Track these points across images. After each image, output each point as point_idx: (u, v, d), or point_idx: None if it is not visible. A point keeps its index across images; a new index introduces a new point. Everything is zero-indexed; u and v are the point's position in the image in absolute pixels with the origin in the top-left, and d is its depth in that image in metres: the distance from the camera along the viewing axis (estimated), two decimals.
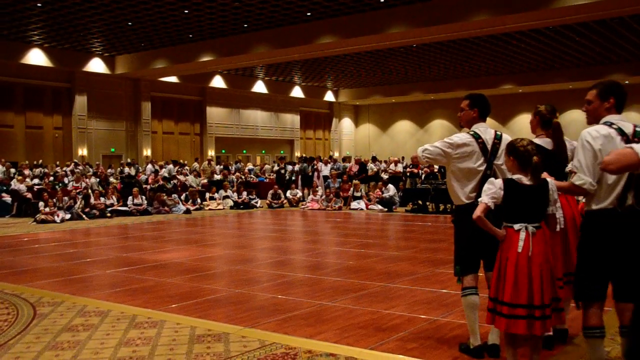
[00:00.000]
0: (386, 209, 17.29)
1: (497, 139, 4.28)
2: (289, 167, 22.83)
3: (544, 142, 4.34)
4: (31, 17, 18.26)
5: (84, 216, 16.09)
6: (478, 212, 3.72)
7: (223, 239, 11.78)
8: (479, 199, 3.80)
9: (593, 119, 3.70)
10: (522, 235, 3.59)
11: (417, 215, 16.16)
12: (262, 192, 21.29)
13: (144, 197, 17.73)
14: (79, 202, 16.50)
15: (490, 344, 4.19)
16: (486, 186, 3.78)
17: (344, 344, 4.56)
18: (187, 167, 23.39)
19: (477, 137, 4.24)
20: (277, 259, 8.99)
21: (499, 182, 3.73)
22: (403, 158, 24.68)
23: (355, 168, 21.44)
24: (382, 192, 17.90)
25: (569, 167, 3.99)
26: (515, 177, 3.68)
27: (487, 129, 4.32)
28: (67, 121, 24.98)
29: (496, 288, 3.68)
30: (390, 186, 17.99)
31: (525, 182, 3.65)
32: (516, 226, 3.63)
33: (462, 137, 4.25)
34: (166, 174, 21.18)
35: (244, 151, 32.57)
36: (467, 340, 4.32)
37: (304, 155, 30.65)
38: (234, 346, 4.51)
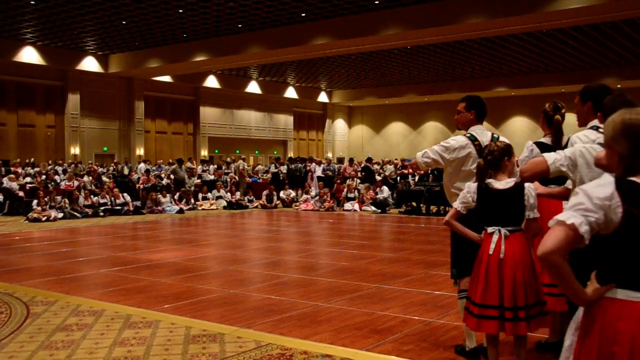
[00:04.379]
0: (380, 211, 17.30)
1: (494, 141, 4.28)
2: (283, 168, 22.78)
3: (549, 141, 4.27)
4: (24, 15, 18.17)
5: (77, 214, 16.00)
6: (447, 216, 3.94)
7: (217, 239, 11.75)
8: (453, 204, 3.90)
9: (582, 122, 3.76)
10: (495, 237, 3.64)
11: (410, 216, 16.18)
12: (256, 193, 21.26)
13: (126, 195, 17.59)
14: (61, 201, 16.31)
15: (486, 346, 4.20)
16: (462, 191, 3.87)
17: (339, 345, 4.56)
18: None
19: (473, 139, 4.25)
20: (271, 260, 8.98)
21: (473, 186, 3.81)
22: (402, 160, 24.61)
23: (349, 169, 21.43)
24: (376, 194, 17.92)
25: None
26: (488, 180, 3.74)
27: (483, 131, 4.34)
28: (60, 119, 24.88)
29: (471, 288, 3.77)
30: (385, 187, 18.01)
31: (497, 186, 3.69)
32: (489, 229, 3.70)
33: (459, 140, 4.26)
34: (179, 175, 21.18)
35: (237, 151, 32.53)
36: (463, 342, 4.33)
37: (298, 156, 30.59)
38: (230, 347, 4.50)
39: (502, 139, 4.32)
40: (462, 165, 4.22)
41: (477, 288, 3.66)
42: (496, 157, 3.71)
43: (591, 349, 1.88)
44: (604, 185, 1.89)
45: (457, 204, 3.88)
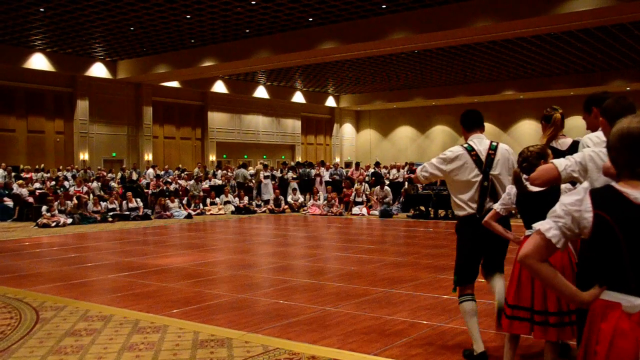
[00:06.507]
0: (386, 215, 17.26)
1: (492, 149, 4.32)
2: (290, 173, 22.75)
3: (565, 143, 4.27)
4: (34, 22, 18.31)
5: (91, 215, 16.08)
6: (487, 217, 4.00)
7: (225, 244, 11.78)
8: (493, 205, 3.99)
9: (592, 129, 3.76)
10: None
11: (418, 221, 16.15)
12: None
13: (139, 200, 17.68)
14: (71, 205, 16.40)
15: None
16: (504, 193, 3.98)
17: (347, 349, 4.56)
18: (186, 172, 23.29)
19: (470, 149, 4.31)
20: (279, 264, 8.99)
21: (514, 189, 3.81)
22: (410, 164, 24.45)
23: (356, 174, 21.41)
24: (382, 199, 17.88)
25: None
26: (525, 183, 3.74)
27: (482, 140, 4.37)
28: (69, 125, 25.01)
29: (507, 289, 3.81)
30: (388, 190, 18.01)
31: (532, 188, 3.67)
32: (527, 232, 3.70)
33: (455, 150, 4.34)
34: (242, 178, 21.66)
35: (245, 156, 32.59)
36: (471, 346, 4.32)
37: (306, 160, 30.58)
38: (237, 351, 4.51)
39: (501, 145, 4.35)
40: (459, 176, 4.28)
41: (511, 289, 3.70)
42: (531, 163, 3.67)
43: (582, 346, 1.96)
44: (576, 192, 1.96)
45: (497, 206, 3.96)
